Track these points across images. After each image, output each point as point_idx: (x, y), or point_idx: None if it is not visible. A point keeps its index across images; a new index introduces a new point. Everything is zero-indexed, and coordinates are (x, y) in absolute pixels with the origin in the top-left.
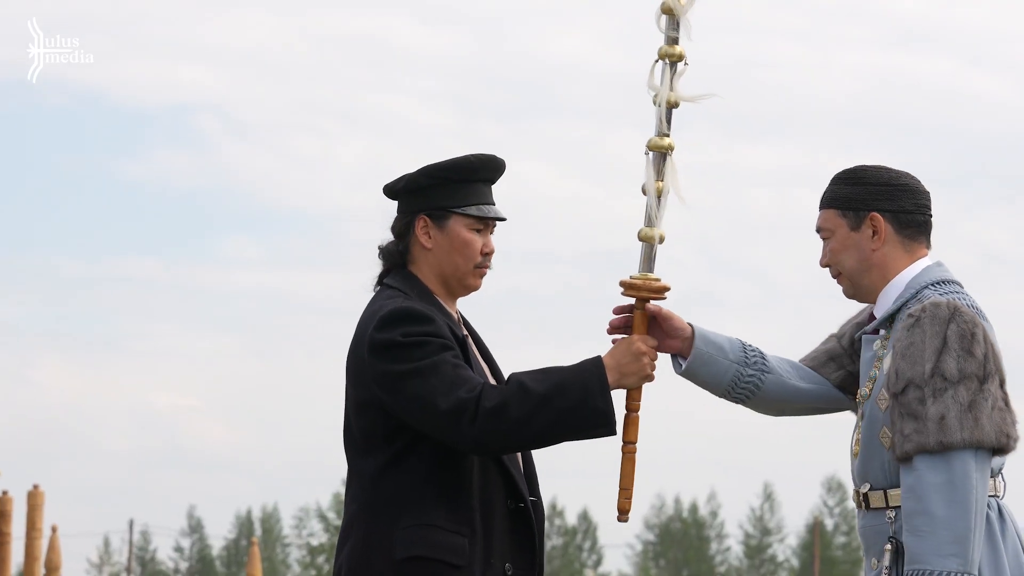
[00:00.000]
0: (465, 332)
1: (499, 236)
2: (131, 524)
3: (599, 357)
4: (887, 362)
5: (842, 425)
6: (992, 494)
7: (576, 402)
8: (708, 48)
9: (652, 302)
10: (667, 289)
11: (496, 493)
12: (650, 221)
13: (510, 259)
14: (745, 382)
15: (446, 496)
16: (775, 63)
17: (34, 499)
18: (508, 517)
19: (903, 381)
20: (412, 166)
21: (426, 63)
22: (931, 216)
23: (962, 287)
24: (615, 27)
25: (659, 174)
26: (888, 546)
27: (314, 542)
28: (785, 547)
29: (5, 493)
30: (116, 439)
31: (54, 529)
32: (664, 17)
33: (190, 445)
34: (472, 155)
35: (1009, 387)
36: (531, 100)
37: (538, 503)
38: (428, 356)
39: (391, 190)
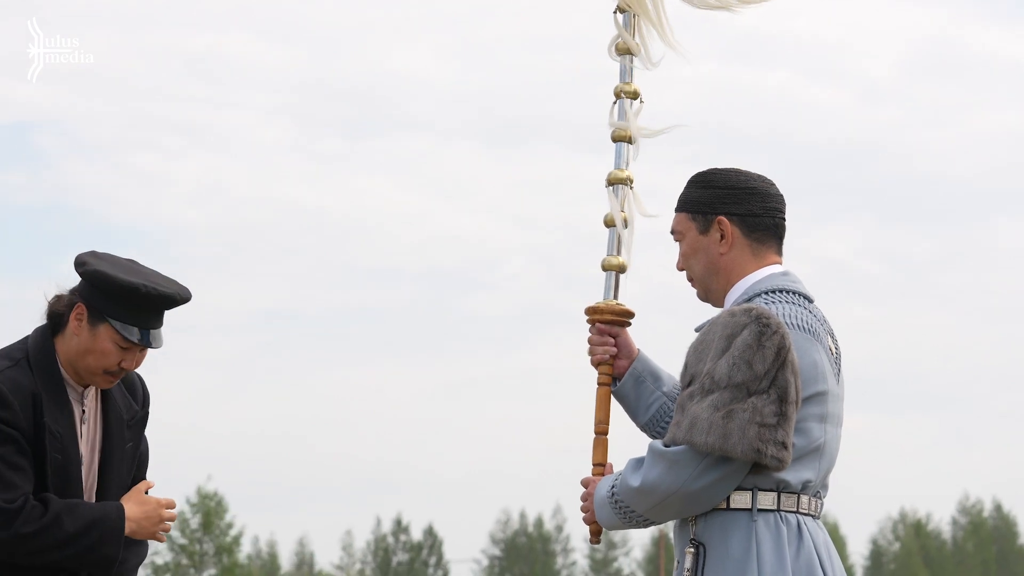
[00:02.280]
0: (75, 410)
1: (342, 250)
2: None
3: (122, 508)
4: None
5: None
6: (794, 510)
7: (94, 543)
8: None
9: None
10: (631, 314)
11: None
12: (614, 250)
13: (355, 274)
14: (670, 418)
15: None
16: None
17: None
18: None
19: (687, 375)
20: (253, 182)
21: (265, 78)
22: (782, 220)
23: (806, 300)
24: (452, 40)
25: (621, 205)
26: (690, 549)
27: None
28: (631, 560)
29: None
30: None
31: None
32: (620, 56)
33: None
34: (147, 284)
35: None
36: (370, 114)
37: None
38: (10, 451)
39: (77, 268)
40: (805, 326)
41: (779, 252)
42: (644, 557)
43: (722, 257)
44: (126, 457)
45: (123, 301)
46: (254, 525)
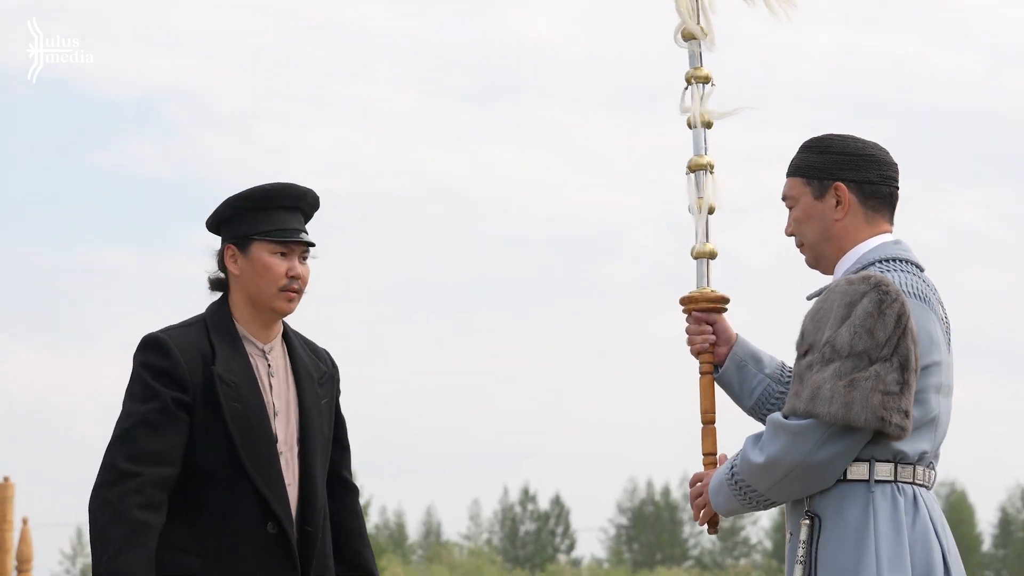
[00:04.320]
0: (258, 364)
1: (471, 219)
2: None
3: None
4: None
5: None
6: (910, 480)
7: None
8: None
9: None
10: (726, 300)
11: (249, 517)
12: (703, 237)
13: (485, 243)
14: (776, 399)
15: (187, 517)
16: (742, 45)
17: (4, 491)
18: (262, 540)
19: (805, 344)
20: (382, 152)
21: (395, 48)
22: (897, 189)
23: (918, 269)
24: (586, 10)
25: (701, 191)
26: (805, 520)
27: None
28: (758, 529)
29: None
30: (88, 429)
31: (25, 521)
32: (687, 42)
33: None
34: (268, 183)
35: (932, 374)
36: (502, 83)
37: (311, 531)
38: (144, 403)
39: (208, 224)
40: (920, 295)
41: (891, 221)
42: (772, 526)
43: (837, 223)
44: (323, 412)
45: (256, 212)
46: (381, 495)
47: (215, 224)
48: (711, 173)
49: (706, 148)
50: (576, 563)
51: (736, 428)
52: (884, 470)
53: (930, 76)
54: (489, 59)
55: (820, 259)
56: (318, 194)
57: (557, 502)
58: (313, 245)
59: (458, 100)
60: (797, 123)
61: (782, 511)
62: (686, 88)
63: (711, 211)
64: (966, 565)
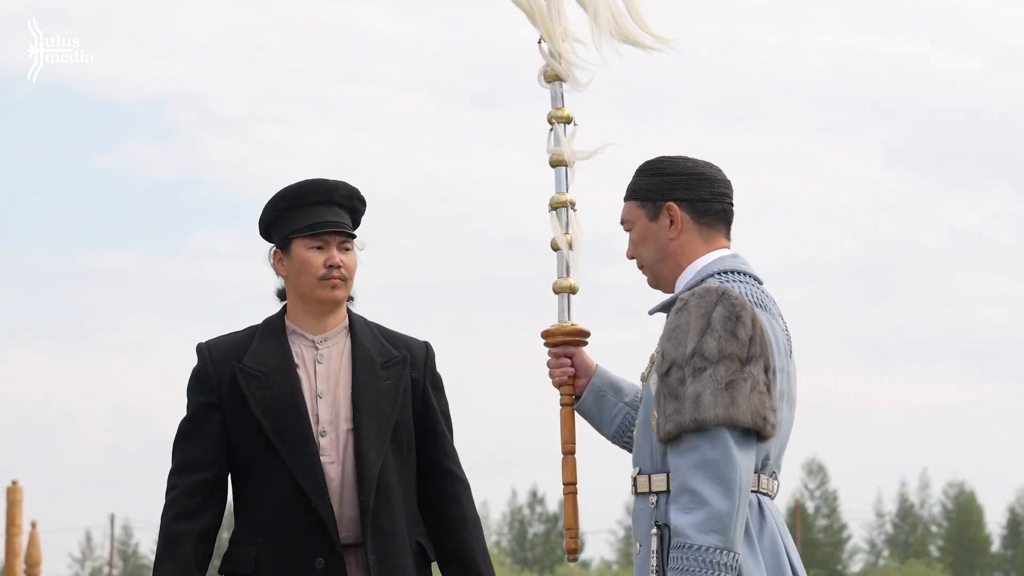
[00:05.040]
0: (303, 353)
1: (478, 221)
2: (112, 518)
3: None
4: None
5: (821, 409)
6: (754, 489)
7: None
8: (680, 32)
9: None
10: (585, 333)
11: (286, 498)
12: (563, 272)
13: (491, 244)
14: (634, 427)
15: (242, 510)
16: (748, 46)
17: (13, 495)
18: (302, 519)
19: (667, 362)
20: (385, 154)
21: (397, 50)
22: (731, 205)
23: (754, 280)
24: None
25: (566, 228)
26: (654, 531)
27: None
28: None
29: None
30: (95, 433)
31: (33, 524)
32: (550, 83)
33: (171, 438)
34: (299, 181)
35: (775, 376)
36: (505, 85)
37: (364, 506)
38: (185, 414)
39: (260, 233)
40: (760, 303)
41: (728, 236)
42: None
43: (672, 243)
44: (384, 391)
45: (291, 211)
46: None
47: (264, 231)
48: (574, 210)
49: (568, 186)
50: (585, 565)
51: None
52: None
53: (931, 76)
54: (491, 61)
55: (660, 279)
56: (352, 186)
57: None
58: (345, 232)
59: (461, 102)
60: (803, 125)
61: (794, 513)
62: (551, 130)
63: (570, 247)
64: (976, 566)
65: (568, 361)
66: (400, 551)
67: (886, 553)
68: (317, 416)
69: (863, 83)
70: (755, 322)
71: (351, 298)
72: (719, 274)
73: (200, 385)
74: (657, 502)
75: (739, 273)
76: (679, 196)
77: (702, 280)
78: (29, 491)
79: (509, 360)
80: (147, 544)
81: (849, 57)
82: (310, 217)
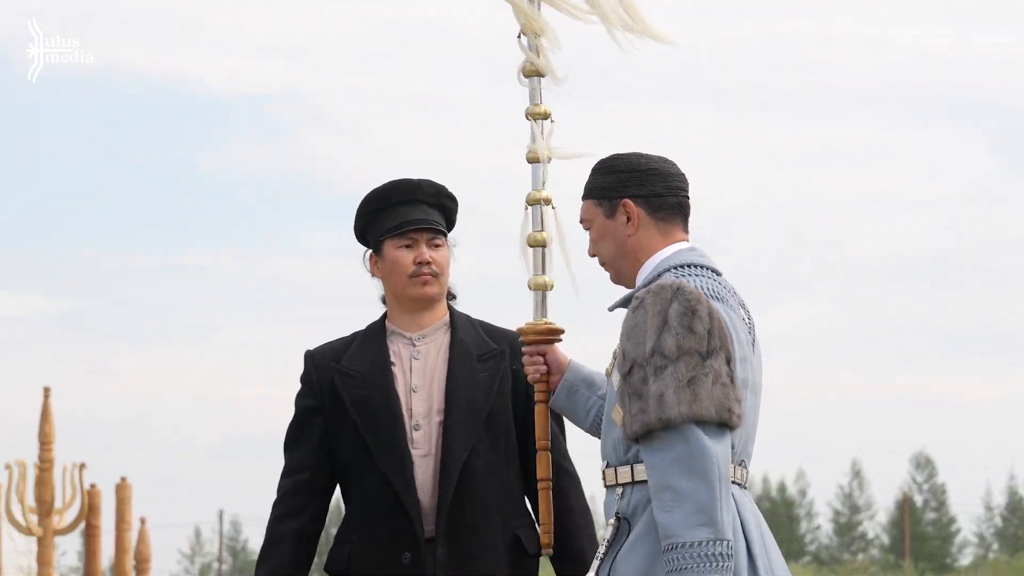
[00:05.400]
0: (400, 350)
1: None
2: (221, 514)
3: None
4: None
5: (929, 403)
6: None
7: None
8: (776, 25)
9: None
10: (558, 331)
11: (376, 492)
12: (539, 270)
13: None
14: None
15: (346, 510)
16: (841, 37)
17: (122, 492)
18: (389, 512)
19: (629, 362)
20: (488, 154)
21: (498, 50)
22: (686, 198)
23: (712, 272)
24: (672, 4)
25: (541, 225)
26: (612, 520)
27: None
28: (875, 524)
29: (93, 486)
30: (204, 430)
31: (143, 521)
32: (528, 78)
33: (277, 434)
34: (385, 183)
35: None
36: (600, 81)
37: (444, 498)
38: (291, 424)
39: (357, 238)
40: (717, 296)
41: (685, 230)
42: (889, 521)
43: (629, 239)
44: (479, 384)
45: (379, 213)
46: None
47: (360, 236)
48: (552, 207)
49: (544, 183)
50: None
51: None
52: None
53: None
54: (588, 54)
55: (620, 275)
56: (437, 183)
57: None
58: (433, 228)
59: (562, 97)
60: (905, 117)
61: (902, 507)
62: (532, 123)
63: (545, 244)
64: None
65: (541, 359)
66: (482, 544)
67: (995, 547)
68: (411, 410)
69: (966, 77)
70: (712, 315)
71: (453, 295)
72: (676, 268)
73: (304, 389)
74: (623, 493)
75: (696, 266)
76: (634, 192)
77: (659, 275)
78: (138, 488)
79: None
80: (256, 540)
81: (950, 50)
82: (397, 217)
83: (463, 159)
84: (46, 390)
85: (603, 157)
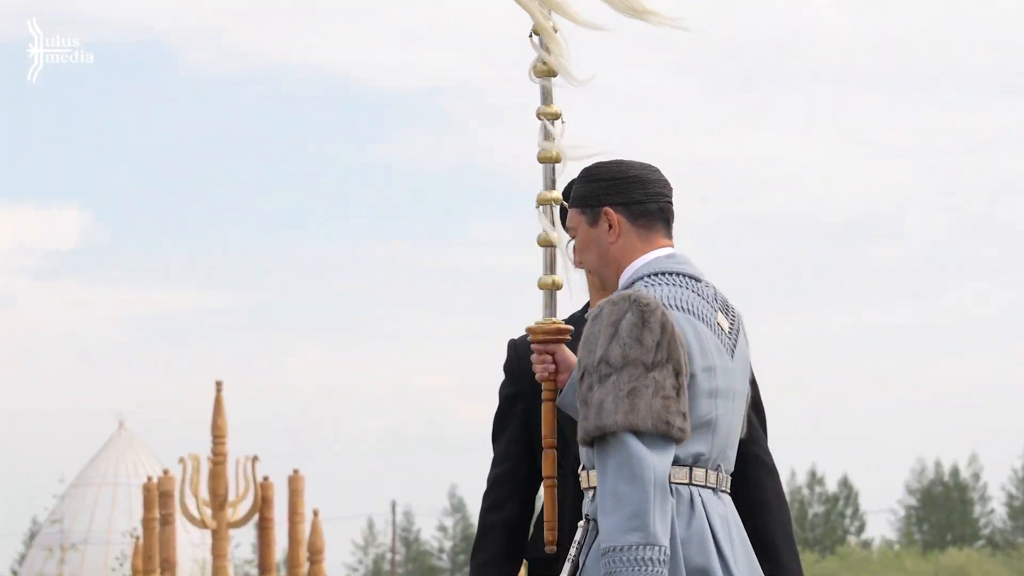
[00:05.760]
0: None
1: (743, 203)
2: (393, 505)
3: None
4: None
5: None
6: (686, 482)
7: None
8: (940, 8)
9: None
10: (566, 331)
11: (575, 486)
12: (548, 269)
13: (764, 224)
14: None
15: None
16: (1016, 20)
17: (295, 484)
18: (573, 495)
19: (581, 369)
20: (656, 141)
21: (668, 36)
22: (668, 204)
23: (692, 280)
24: None
25: (552, 225)
26: (581, 522)
27: None
28: None
29: (266, 479)
30: (375, 421)
31: (316, 513)
32: (540, 78)
33: (448, 424)
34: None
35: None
36: (772, 68)
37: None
38: (495, 415)
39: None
40: (684, 306)
41: (668, 236)
42: None
43: (612, 246)
44: None
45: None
46: None
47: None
48: (559, 207)
49: (554, 183)
50: (867, 545)
51: None
52: None
53: None
54: (760, 43)
55: (605, 282)
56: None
57: (845, 484)
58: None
59: (731, 85)
60: None
61: None
62: (548, 124)
63: (555, 244)
64: None
65: (550, 358)
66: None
67: None
68: None
69: None
70: (665, 327)
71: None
72: (649, 276)
73: (506, 378)
74: (593, 496)
75: (670, 274)
76: (614, 200)
77: (633, 283)
78: (311, 480)
79: (784, 340)
80: (428, 531)
81: None
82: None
83: (629, 148)
84: (218, 384)
85: (587, 165)
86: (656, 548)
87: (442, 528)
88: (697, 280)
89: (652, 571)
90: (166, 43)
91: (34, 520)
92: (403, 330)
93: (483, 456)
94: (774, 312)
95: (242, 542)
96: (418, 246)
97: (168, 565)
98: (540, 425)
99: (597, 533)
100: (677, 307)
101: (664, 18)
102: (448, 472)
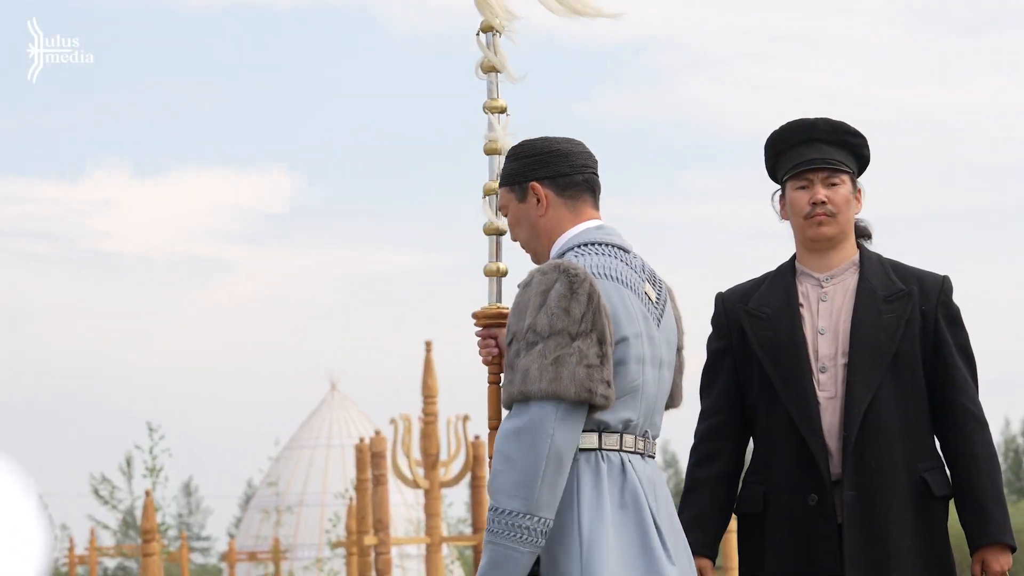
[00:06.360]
0: (809, 292)
1: (954, 150)
2: None
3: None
4: None
5: None
6: (616, 448)
7: None
8: None
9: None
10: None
11: (783, 433)
12: (493, 257)
13: (968, 173)
14: None
15: (756, 450)
16: None
17: None
18: (795, 453)
19: (509, 336)
20: (864, 88)
21: None
22: (593, 175)
23: (620, 251)
24: None
25: (496, 213)
26: None
27: None
28: None
29: (477, 438)
30: None
31: None
32: (486, 74)
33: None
34: (783, 124)
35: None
36: (987, 10)
37: (847, 440)
38: (704, 369)
39: (769, 175)
40: (613, 275)
41: (595, 207)
42: None
43: (541, 220)
44: (884, 325)
45: (780, 156)
46: None
47: (772, 177)
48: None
49: (499, 174)
50: None
51: None
52: (589, 440)
53: None
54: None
55: (538, 255)
56: (835, 120)
57: None
58: (826, 166)
59: (943, 31)
60: None
61: None
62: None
63: (501, 233)
64: None
65: (493, 342)
66: (887, 487)
67: None
68: (817, 352)
69: None
70: (591, 296)
71: (868, 235)
72: (579, 247)
73: (714, 332)
74: None
75: (600, 244)
76: (540, 175)
77: (563, 253)
78: None
79: (992, 287)
80: None
81: None
82: (793, 158)
83: (837, 97)
84: (428, 344)
85: (514, 144)
86: (536, 519)
87: None
88: (626, 251)
89: (528, 540)
90: (373, 3)
91: (249, 483)
92: None
93: (693, 411)
94: (977, 260)
95: (455, 501)
96: (623, 202)
97: (381, 525)
98: (750, 379)
99: None
100: (606, 276)
101: (604, 12)
102: (662, 427)
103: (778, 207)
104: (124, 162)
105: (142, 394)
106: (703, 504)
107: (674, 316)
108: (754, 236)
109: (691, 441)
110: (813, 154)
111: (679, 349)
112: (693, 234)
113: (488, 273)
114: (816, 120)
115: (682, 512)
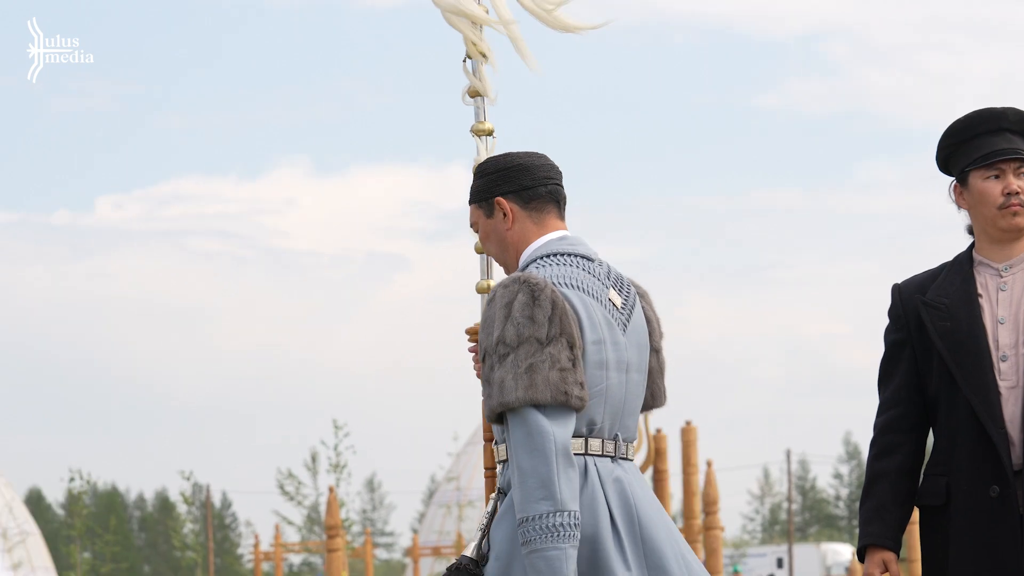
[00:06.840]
0: (988, 282)
1: None
2: (788, 454)
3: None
4: None
5: None
6: (580, 452)
7: None
8: None
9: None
10: None
11: (964, 424)
12: (484, 275)
13: None
14: None
15: (937, 441)
16: None
17: (687, 435)
18: (976, 444)
19: (482, 351)
20: None
21: None
22: (556, 187)
23: (581, 259)
24: None
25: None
26: (493, 494)
27: None
28: None
29: (659, 431)
30: (767, 370)
31: (709, 463)
32: (472, 99)
33: (842, 371)
34: (967, 113)
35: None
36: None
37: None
38: (882, 360)
39: (939, 167)
40: (573, 283)
41: (561, 217)
42: None
43: (508, 233)
44: None
45: (961, 145)
46: None
47: (943, 166)
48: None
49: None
50: None
51: None
52: None
53: None
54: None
55: (508, 268)
56: (1022, 110)
57: None
58: (1018, 156)
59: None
60: None
61: None
62: (480, 141)
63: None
64: None
65: None
66: None
67: None
68: (997, 341)
69: None
70: (555, 303)
71: None
72: (542, 258)
73: (891, 324)
74: (501, 470)
75: (562, 255)
76: (504, 190)
77: (526, 265)
78: (703, 430)
79: None
80: (824, 478)
81: None
82: (981, 148)
83: (1018, 85)
84: None
85: (479, 163)
86: (566, 513)
87: (838, 475)
88: (589, 260)
89: (565, 535)
90: None
91: (432, 479)
92: (793, 277)
93: (875, 401)
94: None
95: None
96: (805, 192)
97: None
98: (929, 370)
99: (503, 502)
100: (567, 285)
101: (570, 24)
102: (843, 418)
103: (954, 196)
104: (304, 160)
105: (327, 392)
106: (884, 496)
107: (646, 318)
108: (933, 227)
109: (871, 434)
110: (1003, 144)
111: (656, 351)
112: (868, 223)
113: (480, 290)
114: (1005, 110)
115: (863, 504)
